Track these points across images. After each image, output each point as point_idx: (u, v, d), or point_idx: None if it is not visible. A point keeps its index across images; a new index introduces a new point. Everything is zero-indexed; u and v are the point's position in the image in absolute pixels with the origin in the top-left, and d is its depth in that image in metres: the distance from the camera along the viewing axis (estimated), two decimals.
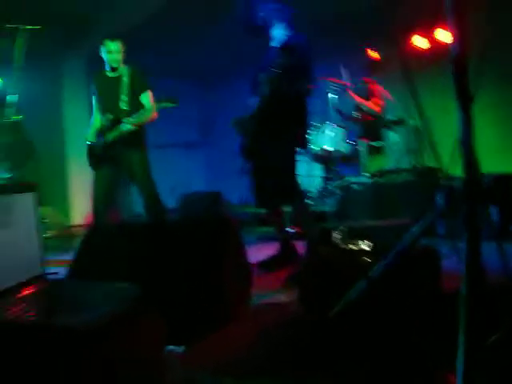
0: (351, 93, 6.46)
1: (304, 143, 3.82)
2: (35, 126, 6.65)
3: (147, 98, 4.39)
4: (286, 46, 3.43)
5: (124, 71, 4.40)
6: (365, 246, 1.91)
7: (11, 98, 4.42)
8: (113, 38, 4.35)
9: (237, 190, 7.88)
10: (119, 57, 4.34)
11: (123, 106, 4.35)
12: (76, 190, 7.99)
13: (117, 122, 4.32)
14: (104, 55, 4.33)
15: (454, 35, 1.52)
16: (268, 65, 3.52)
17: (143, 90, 4.42)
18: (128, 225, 3.19)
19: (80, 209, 7.94)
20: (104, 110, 4.37)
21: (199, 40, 7.78)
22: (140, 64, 4.54)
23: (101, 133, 4.33)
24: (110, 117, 4.29)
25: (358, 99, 6.52)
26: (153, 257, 2.34)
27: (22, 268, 1.56)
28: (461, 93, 1.48)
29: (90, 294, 1.52)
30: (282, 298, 2.79)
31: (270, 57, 3.60)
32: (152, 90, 4.40)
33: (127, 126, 4.29)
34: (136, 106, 4.33)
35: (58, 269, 2.90)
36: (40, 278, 1.67)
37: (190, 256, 2.29)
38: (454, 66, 1.51)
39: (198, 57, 8.70)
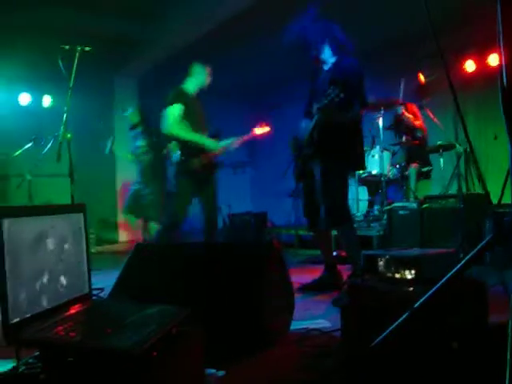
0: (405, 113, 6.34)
1: (360, 165, 3.84)
2: (86, 144, 6.84)
3: None
4: (336, 77, 3.41)
5: None
6: (410, 275, 1.88)
7: (63, 117, 4.57)
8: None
9: (282, 211, 7.88)
10: None
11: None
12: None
13: None
14: (203, 78, 4.58)
15: (503, 62, 1.48)
16: (319, 89, 3.53)
17: None
18: (173, 246, 3.24)
19: (127, 225, 8.11)
20: (198, 130, 4.46)
21: (248, 61, 7.89)
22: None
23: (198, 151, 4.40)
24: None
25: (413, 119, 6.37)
26: (195, 279, 2.37)
27: (70, 286, 1.61)
28: (509, 122, 1.45)
29: (133, 315, 1.54)
30: (324, 323, 2.75)
31: (321, 81, 3.61)
32: None
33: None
34: None
35: (104, 284, 2.98)
36: (87, 296, 1.72)
37: (233, 279, 2.31)
38: (502, 94, 1.47)
39: (246, 77, 8.82)
